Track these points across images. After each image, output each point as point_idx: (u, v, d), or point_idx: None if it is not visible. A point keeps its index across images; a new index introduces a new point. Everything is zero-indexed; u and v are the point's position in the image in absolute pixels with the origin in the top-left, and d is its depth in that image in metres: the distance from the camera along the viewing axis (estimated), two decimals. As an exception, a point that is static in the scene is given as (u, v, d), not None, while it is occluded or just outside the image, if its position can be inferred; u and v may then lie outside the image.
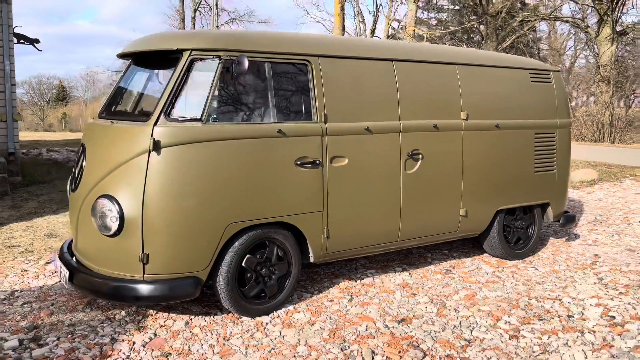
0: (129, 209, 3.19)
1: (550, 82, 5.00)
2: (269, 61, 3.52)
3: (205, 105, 3.27)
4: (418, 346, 3.30)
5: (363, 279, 4.47)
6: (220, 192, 3.34)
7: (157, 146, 3.15)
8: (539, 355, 3.23)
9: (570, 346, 3.34)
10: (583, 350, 3.25)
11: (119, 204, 3.20)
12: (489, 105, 4.57)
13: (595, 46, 22.36)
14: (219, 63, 3.31)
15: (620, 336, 3.45)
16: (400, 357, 3.15)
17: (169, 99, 3.24)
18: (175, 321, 3.55)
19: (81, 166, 3.61)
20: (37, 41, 9.61)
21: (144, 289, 3.23)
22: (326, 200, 3.74)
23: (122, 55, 3.90)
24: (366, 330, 3.50)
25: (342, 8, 18.46)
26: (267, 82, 3.50)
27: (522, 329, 3.57)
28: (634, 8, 21.18)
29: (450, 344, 3.34)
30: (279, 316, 3.68)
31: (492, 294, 4.19)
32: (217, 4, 24.98)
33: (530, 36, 26.40)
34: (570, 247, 5.58)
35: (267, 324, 3.56)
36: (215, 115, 3.35)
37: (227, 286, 3.45)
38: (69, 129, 35.78)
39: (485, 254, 5.20)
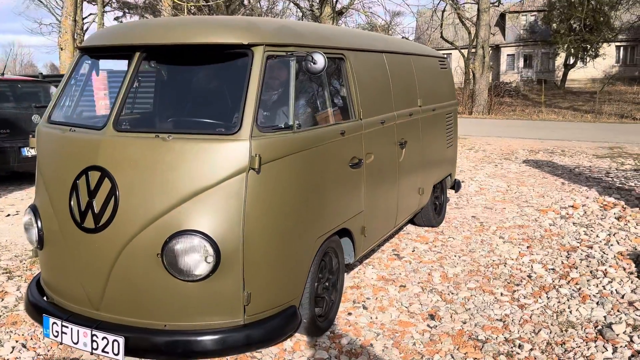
0: (225, 243, 2.54)
1: (447, 67, 5.52)
2: None
3: (291, 110, 2.72)
4: (477, 338, 3.38)
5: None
6: (309, 206, 2.93)
7: (259, 163, 2.53)
8: (557, 316, 3.69)
9: (563, 302, 3.89)
10: (577, 303, 3.85)
11: (211, 240, 2.47)
12: (428, 91, 4.86)
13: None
14: (293, 60, 2.70)
15: (577, 284, 4.18)
16: (484, 354, 3.19)
17: (256, 106, 2.54)
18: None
19: (112, 197, 2.57)
20: None
21: (251, 335, 2.61)
22: (364, 198, 3.60)
23: (107, 49, 2.87)
24: (421, 335, 3.40)
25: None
26: (323, 81, 3.01)
27: (517, 297, 3.99)
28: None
29: (494, 328, 3.53)
30: (330, 347, 3.24)
31: (457, 270, 4.52)
32: None
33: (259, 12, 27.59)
34: (447, 213, 6.33)
35: (328, 359, 3.10)
36: (298, 122, 2.82)
37: (310, 308, 3.08)
38: None
39: (403, 231, 5.50)
